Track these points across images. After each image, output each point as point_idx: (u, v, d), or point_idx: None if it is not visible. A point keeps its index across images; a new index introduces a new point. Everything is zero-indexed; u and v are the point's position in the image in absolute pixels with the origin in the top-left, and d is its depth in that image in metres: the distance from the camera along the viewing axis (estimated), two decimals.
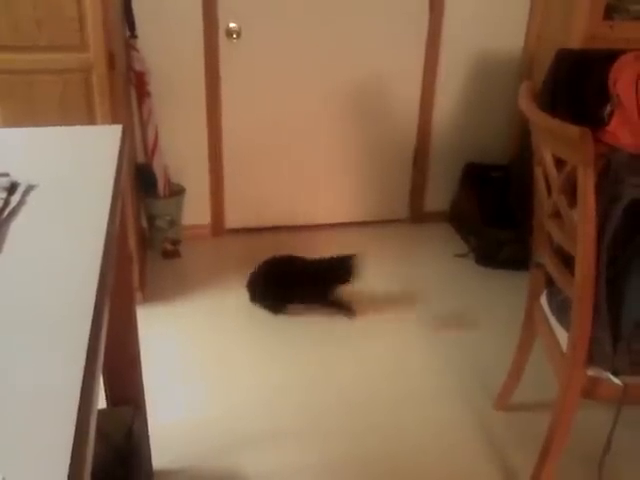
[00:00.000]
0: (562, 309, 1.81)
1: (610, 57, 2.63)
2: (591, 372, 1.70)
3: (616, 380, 1.61)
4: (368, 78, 3.42)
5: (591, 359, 1.68)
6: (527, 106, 1.78)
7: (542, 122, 1.70)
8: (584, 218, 1.54)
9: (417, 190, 3.70)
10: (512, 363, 2.23)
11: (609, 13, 3.01)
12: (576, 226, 1.59)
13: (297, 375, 2.43)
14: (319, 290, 2.82)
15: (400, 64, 3.43)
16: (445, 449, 2.10)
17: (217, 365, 2.48)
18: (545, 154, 1.76)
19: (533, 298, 2.09)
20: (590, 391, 1.72)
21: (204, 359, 2.51)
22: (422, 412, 2.27)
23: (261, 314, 2.80)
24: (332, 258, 2.80)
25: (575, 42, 3.02)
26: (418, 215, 3.75)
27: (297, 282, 2.82)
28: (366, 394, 2.35)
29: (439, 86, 3.50)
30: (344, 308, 2.82)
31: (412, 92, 3.50)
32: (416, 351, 2.60)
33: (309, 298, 2.85)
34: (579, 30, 3.02)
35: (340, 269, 2.75)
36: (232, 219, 3.56)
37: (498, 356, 2.56)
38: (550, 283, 1.92)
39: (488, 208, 3.40)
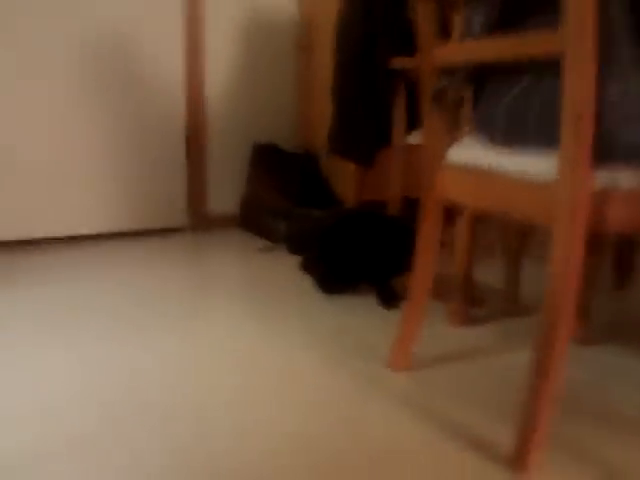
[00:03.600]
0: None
1: None
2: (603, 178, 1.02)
3: None
4: (111, 40, 2.62)
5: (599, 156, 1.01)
6: None
7: None
8: None
9: (196, 186, 2.88)
10: (411, 289, 1.46)
11: None
12: None
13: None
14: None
15: (153, 19, 2.70)
16: (356, 434, 1.20)
17: None
18: None
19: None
20: (601, 215, 1.03)
21: None
22: (306, 400, 1.35)
23: None
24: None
25: None
26: (202, 220, 2.90)
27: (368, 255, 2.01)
28: (235, 389, 1.36)
29: (208, 53, 2.82)
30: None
31: (174, 58, 2.76)
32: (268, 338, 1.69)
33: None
34: None
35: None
36: None
37: (360, 316, 1.80)
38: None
39: (293, 190, 2.72)
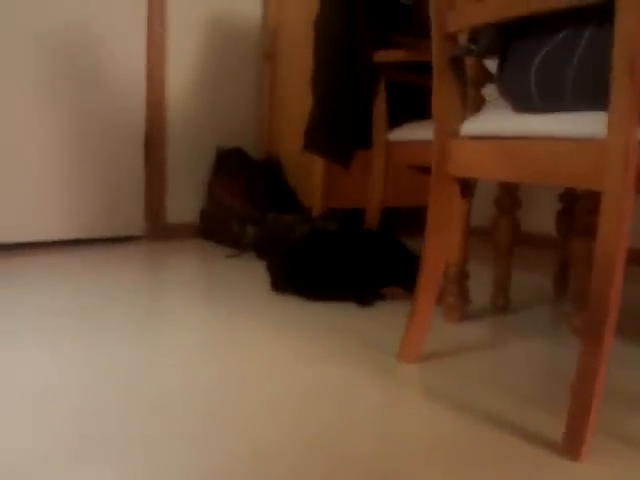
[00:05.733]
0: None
1: None
2: None
3: None
4: (68, 38, 2.46)
5: None
6: None
7: None
8: None
9: (154, 192, 2.72)
10: (423, 277, 1.37)
11: None
12: None
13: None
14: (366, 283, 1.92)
15: (115, 19, 2.56)
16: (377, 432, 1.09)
17: None
18: None
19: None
20: None
21: None
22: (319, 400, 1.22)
23: None
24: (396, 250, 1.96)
25: None
26: (160, 229, 2.74)
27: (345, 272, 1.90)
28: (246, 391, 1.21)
29: (170, 55, 2.70)
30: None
31: (135, 59, 2.62)
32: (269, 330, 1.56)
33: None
34: None
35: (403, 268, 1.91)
36: None
37: (345, 316, 1.69)
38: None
39: (259, 197, 2.61)
